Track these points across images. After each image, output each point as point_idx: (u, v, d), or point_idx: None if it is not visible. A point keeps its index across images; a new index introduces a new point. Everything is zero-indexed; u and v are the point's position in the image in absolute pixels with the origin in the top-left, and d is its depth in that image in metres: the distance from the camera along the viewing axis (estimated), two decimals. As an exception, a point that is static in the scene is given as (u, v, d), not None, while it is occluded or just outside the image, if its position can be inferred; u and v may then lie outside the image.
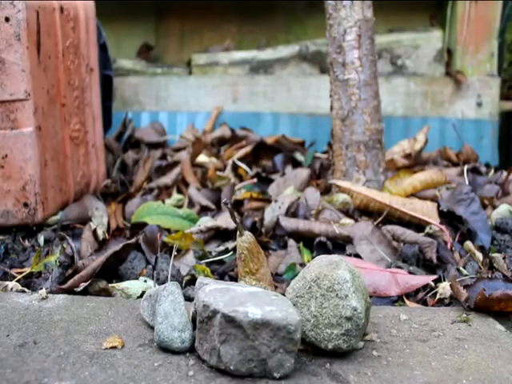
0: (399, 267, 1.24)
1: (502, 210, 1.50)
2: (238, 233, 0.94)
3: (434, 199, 1.56)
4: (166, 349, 0.86)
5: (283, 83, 2.43)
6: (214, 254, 1.34)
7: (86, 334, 0.91)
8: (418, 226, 1.44)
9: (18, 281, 1.17)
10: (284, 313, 0.77)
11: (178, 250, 1.31)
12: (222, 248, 1.36)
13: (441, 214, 1.46)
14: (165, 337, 0.85)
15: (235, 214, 0.94)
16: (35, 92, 1.37)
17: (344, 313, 0.83)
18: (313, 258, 1.34)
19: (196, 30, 2.72)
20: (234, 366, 0.78)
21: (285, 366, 0.78)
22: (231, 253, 1.32)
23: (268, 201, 1.60)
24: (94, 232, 1.38)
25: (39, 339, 0.88)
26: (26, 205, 1.38)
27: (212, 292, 0.82)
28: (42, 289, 1.09)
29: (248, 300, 0.80)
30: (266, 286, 0.97)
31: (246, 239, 0.94)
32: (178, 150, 2.18)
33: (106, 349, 0.86)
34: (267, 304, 0.79)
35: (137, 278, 1.19)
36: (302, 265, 1.28)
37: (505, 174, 1.85)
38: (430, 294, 1.15)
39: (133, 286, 1.12)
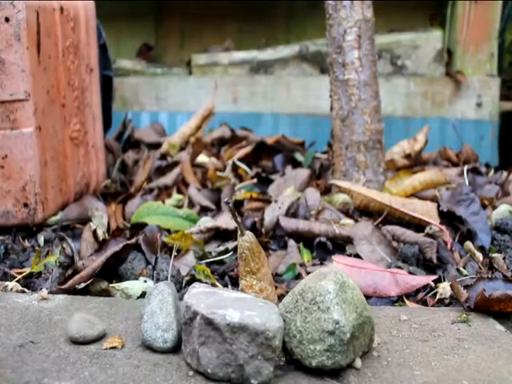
0: (399, 267, 1.24)
1: (502, 210, 1.50)
2: (239, 232, 0.94)
3: (433, 199, 1.56)
4: (149, 348, 0.86)
5: (283, 83, 2.43)
6: (214, 254, 1.34)
7: (86, 334, 0.91)
8: (418, 226, 1.44)
9: (17, 281, 1.17)
10: (264, 318, 0.75)
11: (178, 251, 1.31)
12: (222, 248, 1.36)
13: (441, 214, 1.46)
14: (148, 336, 0.85)
15: (236, 213, 0.94)
16: (35, 92, 1.37)
17: (326, 327, 0.77)
18: (313, 258, 1.34)
19: (196, 30, 2.73)
20: (211, 369, 0.76)
21: (263, 374, 0.75)
22: (231, 253, 1.32)
23: (268, 201, 1.60)
24: (94, 232, 1.38)
25: (39, 339, 0.88)
26: (25, 205, 1.38)
27: (196, 294, 0.82)
28: (42, 289, 1.09)
29: (231, 304, 0.78)
30: (266, 286, 0.97)
31: (247, 239, 0.94)
32: (177, 150, 2.18)
33: (106, 349, 0.86)
34: (249, 309, 0.77)
35: (137, 279, 1.19)
36: (302, 265, 1.28)
37: (505, 174, 1.85)
38: (430, 294, 1.15)
39: (133, 287, 1.12)
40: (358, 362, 0.82)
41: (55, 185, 1.48)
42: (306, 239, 1.38)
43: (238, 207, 1.60)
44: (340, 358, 0.78)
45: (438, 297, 1.13)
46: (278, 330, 0.75)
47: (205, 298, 0.81)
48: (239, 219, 0.93)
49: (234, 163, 1.91)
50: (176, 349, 0.85)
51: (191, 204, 1.65)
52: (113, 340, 0.88)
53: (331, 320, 0.77)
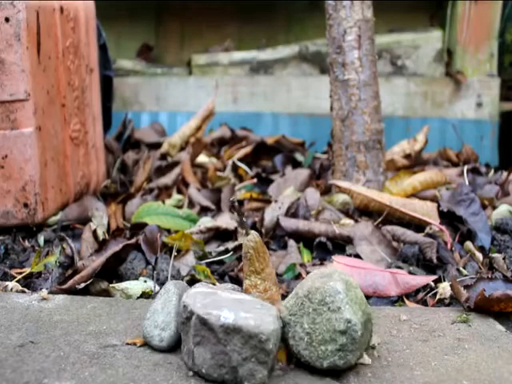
0: (399, 267, 1.24)
1: (502, 210, 1.50)
2: (244, 232, 0.94)
3: (433, 199, 1.56)
4: (148, 345, 0.87)
5: (283, 83, 2.43)
6: (214, 254, 1.34)
7: (86, 334, 0.91)
8: (418, 226, 1.44)
9: (18, 281, 1.17)
10: (258, 321, 0.75)
11: (178, 251, 1.31)
12: (222, 248, 1.35)
13: (441, 214, 1.46)
14: (146, 333, 0.86)
15: (242, 212, 0.94)
16: (35, 92, 1.37)
17: (337, 326, 0.77)
18: (313, 258, 1.34)
19: (196, 30, 2.72)
20: (205, 369, 0.76)
21: (256, 377, 0.75)
22: (231, 253, 1.32)
23: (268, 201, 1.60)
24: (94, 232, 1.38)
25: (39, 339, 0.88)
26: (26, 205, 1.38)
27: (194, 294, 0.82)
28: (42, 289, 1.09)
29: (227, 305, 0.78)
30: (270, 286, 0.97)
31: (252, 238, 0.93)
32: (177, 150, 2.17)
33: (107, 347, 0.86)
34: (245, 311, 0.77)
35: (137, 279, 1.19)
36: (302, 265, 1.28)
37: (505, 174, 1.85)
38: (430, 294, 1.15)
39: (133, 287, 1.12)
40: (367, 358, 0.83)
41: (55, 185, 1.48)
42: (306, 239, 1.38)
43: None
44: (351, 357, 0.79)
45: (438, 297, 1.13)
46: (272, 333, 0.75)
47: (202, 297, 0.81)
48: (244, 219, 0.93)
49: (233, 163, 1.91)
50: (174, 348, 0.85)
51: (191, 204, 1.65)
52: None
53: (343, 319, 0.78)
